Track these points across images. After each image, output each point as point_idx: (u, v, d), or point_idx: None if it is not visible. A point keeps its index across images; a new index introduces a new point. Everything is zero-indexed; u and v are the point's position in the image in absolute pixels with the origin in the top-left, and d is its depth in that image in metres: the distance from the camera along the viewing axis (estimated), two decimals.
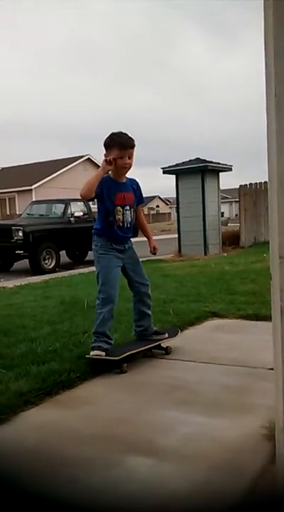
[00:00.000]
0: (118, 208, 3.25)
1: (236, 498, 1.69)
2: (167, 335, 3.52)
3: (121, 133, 3.22)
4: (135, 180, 3.43)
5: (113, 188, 3.24)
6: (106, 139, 3.23)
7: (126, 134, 3.22)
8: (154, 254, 3.58)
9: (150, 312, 3.50)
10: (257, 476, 1.82)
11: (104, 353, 3.13)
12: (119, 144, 3.17)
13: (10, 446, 2.19)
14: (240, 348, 3.57)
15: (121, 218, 3.26)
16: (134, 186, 3.39)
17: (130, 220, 3.32)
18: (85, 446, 2.14)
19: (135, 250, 3.44)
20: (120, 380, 3.02)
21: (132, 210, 3.34)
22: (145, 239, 3.66)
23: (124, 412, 2.52)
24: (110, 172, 3.22)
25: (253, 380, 2.87)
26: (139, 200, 3.43)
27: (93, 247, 3.34)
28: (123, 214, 3.26)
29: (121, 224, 3.26)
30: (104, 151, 3.23)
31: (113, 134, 3.22)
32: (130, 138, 3.22)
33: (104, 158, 3.18)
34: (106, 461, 1.99)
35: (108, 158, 3.10)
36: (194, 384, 2.85)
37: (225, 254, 11.51)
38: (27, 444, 2.20)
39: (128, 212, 3.30)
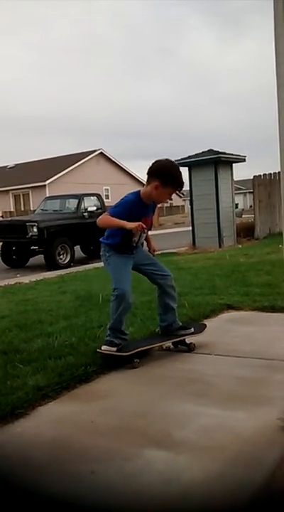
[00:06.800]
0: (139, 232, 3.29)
1: (253, 489, 1.69)
2: (192, 329, 3.47)
3: (179, 170, 3.21)
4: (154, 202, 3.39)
5: (141, 212, 3.23)
6: (166, 171, 3.15)
7: (181, 173, 3.21)
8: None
9: (175, 306, 3.45)
10: (274, 467, 1.82)
11: (114, 349, 3.14)
12: (178, 186, 3.18)
13: (28, 440, 2.22)
14: (256, 340, 3.55)
15: (137, 239, 3.29)
16: (153, 207, 3.40)
17: (142, 241, 3.37)
18: (102, 439, 2.16)
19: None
20: (136, 374, 3.03)
21: (146, 231, 3.36)
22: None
23: (141, 405, 2.53)
24: (141, 191, 3.22)
25: (269, 372, 2.86)
26: None
27: (101, 253, 3.36)
28: (140, 236, 3.30)
29: (134, 245, 3.30)
30: (156, 181, 3.11)
31: (173, 171, 3.17)
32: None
33: (154, 188, 3.12)
34: (124, 453, 2.00)
35: (140, 228, 3.08)
36: (211, 376, 2.85)
37: (240, 246, 11.45)
38: (45, 437, 2.23)
39: (144, 234, 3.33)
